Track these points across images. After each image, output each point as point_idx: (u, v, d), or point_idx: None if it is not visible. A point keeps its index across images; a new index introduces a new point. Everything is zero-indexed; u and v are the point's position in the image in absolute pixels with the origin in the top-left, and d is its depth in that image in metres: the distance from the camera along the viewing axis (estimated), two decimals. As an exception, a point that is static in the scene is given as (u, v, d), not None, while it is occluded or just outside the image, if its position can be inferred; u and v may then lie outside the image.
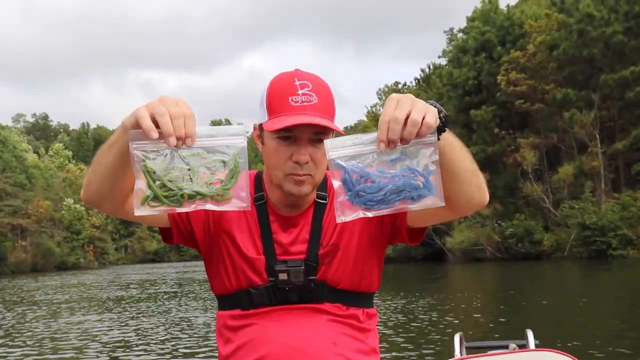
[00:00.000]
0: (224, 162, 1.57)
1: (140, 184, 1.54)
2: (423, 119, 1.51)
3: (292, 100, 1.83)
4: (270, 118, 1.85)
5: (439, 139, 1.59)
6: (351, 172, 1.54)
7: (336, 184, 1.55)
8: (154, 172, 1.54)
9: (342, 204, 1.55)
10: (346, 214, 1.56)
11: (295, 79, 1.87)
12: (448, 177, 1.67)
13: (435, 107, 1.58)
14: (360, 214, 1.56)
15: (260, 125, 1.91)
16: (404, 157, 1.54)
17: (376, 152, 1.54)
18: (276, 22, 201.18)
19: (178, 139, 1.50)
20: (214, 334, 2.10)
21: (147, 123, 1.50)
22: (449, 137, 1.64)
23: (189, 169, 1.55)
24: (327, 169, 1.62)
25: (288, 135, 1.84)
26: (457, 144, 1.69)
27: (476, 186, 1.75)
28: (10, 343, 13.28)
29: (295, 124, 1.79)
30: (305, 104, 1.83)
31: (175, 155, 1.54)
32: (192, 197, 1.55)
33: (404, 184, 1.53)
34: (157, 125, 1.50)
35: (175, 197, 1.54)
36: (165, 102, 1.53)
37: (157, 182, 1.54)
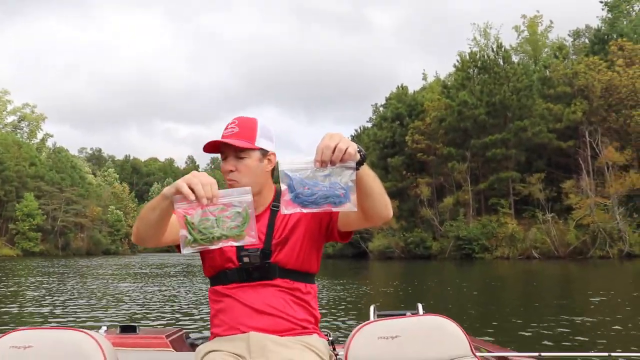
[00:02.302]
0: (238, 212, 1.60)
1: (184, 232, 1.59)
2: (347, 149, 1.54)
3: (224, 133, 1.92)
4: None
5: (358, 169, 1.60)
6: (294, 180, 1.56)
7: (283, 187, 1.57)
8: (193, 223, 1.59)
9: (286, 202, 1.57)
10: (288, 208, 1.57)
11: (233, 120, 1.95)
12: (364, 196, 1.69)
13: (357, 145, 1.61)
14: (298, 209, 1.57)
15: None
16: (332, 175, 1.56)
17: (313, 168, 1.56)
18: (256, 94, 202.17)
19: (207, 199, 1.56)
20: (207, 296, 2.08)
21: (186, 190, 1.57)
22: (365, 168, 1.66)
23: (216, 219, 1.59)
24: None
25: (222, 155, 1.93)
26: (371, 174, 1.71)
27: (383, 205, 1.76)
28: (70, 296, 12.90)
29: (211, 143, 1.91)
30: (230, 133, 1.91)
31: (205, 210, 1.59)
32: (219, 238, 1.60)
33: (330, 193, 1.55)
34: (192, 191, 1.56)
35: (208, 239, 1.59)
36: (196, 176, 1.60)
37: (195, 230, 1.58)
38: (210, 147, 1.93)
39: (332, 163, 1.55)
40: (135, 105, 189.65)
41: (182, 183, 1.58)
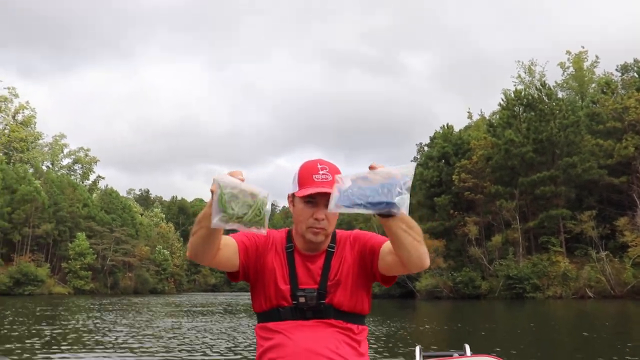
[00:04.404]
0: (249, 205, 1.59)
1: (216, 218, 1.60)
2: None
3: (315, 177, 1.89)
4: (300, 189, 1.90)
5: (389, 217, 1.63)
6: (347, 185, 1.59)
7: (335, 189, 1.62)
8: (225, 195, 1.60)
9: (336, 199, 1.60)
10: (332, 206, 1.60)
11: (318, 164, 1.92)
12: (396, 247, 1.72)
13: None
14: (343, 209, 1.59)
15: (293, 194, 1.94)
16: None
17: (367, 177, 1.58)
18: (294, 137, 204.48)
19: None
20: (252, 339, 2.08)
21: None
22: (397, 220, 1.66)
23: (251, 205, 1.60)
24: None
25: (311, 200, 1.88)
26: (403, 226, 1.68)
27: (416, 256, 1.74)
28: (116, 334, 13.02)
29: (317, 192, 1.85)
30: (324, 180, 1.87)
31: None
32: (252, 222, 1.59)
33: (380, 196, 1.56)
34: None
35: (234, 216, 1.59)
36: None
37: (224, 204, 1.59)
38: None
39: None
40: (179, 148, 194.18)
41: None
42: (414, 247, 1.72)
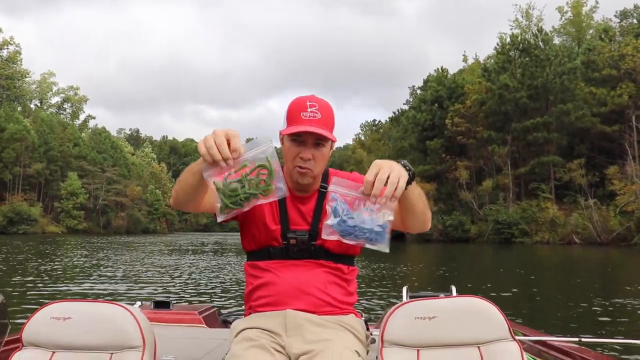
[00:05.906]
0: (263, 165, 1.56)
1: (218, 200, 1.56)
2: (399, 183, 1.55)
3: (302, 115, 1.80)
4: (288, 126, 1.83)
5: (407, 188, 1.62)
6: (340, 206, 1.58)
7: (328, 209, 1.59)
8: (220, 188, 1.55)
9: (327, 227, 1.59)
10: (328, 235, 1.60)
11: (307, 101, 1.84)
12: (406, 213, 1.76)
13: (406, 167, 1.61)
14: (337, 237, 1.60)
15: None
16: (374, 210, 1.57)
17: (359, 197, 1.58)
18: (283, 77, 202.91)
19: (226, 159, 1.52)
20: (240, 276, 2.08)
21: (203, 150, 1.53)
22: (412, 186, 1.68)
23: (241, 180, 1.55)
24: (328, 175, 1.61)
25: (297, 138, 1.81)
26: (417, 191, 1.73)
27: (422, 221, 1.82)
28: (108, 272, 13.20)
29: (301, 130, 1.79)
30: (311, 118, 1.80)
31: (231, 172, 1.55)
32: (248, 199, 1.55)
33: (369, 229, 1.57)
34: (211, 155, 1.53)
35: (238, 202, 1.55)
36: (214, 134, 1.54)
37: (225, 195, 1.55)
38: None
39: (383, 197, 1.56)
40: (167, 87, 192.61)
41: (202, 148, 1.54)
42: (423, 213, 1.80)
